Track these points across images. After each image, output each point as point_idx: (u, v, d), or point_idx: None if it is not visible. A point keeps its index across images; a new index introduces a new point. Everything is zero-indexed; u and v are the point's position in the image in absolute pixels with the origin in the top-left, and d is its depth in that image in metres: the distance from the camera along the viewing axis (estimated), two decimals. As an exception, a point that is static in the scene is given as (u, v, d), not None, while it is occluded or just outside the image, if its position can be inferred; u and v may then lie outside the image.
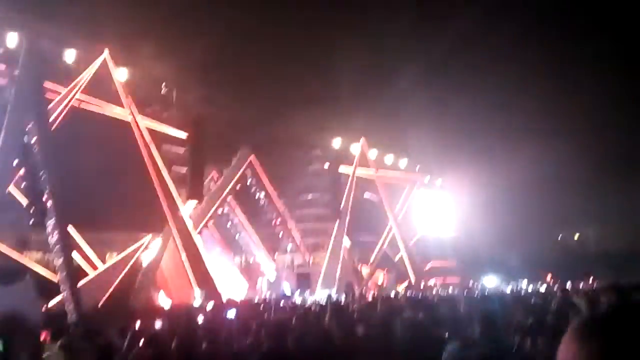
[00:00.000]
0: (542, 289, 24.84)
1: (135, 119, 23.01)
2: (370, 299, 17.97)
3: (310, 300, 21.32)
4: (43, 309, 16.20)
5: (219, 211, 28.89)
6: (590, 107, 35.16)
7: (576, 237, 45.83)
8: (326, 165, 33.71)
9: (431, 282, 31.93)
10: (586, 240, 44.62)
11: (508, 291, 24.57)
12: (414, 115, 32.42)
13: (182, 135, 26.19)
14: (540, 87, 35.94)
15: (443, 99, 35.25)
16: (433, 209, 39.52)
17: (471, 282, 30.89)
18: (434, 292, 24.56)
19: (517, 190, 35.90)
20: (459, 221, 39.05)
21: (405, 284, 32.15)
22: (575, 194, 37.67)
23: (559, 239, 45.28)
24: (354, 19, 34.44)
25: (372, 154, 35.55)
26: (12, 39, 19.06)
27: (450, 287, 27.67)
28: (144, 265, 21.48)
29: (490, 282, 31.77)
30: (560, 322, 7.67)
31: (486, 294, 20.08)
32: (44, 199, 17.67)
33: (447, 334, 7.87)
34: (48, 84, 20.00)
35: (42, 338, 8.14)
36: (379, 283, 32.07)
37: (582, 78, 35.34)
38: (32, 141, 18.06)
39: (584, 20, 34.38)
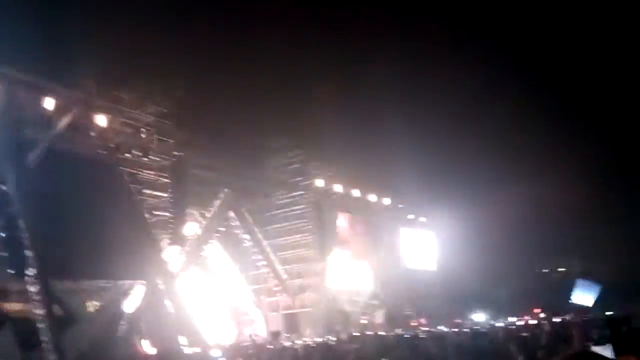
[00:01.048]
0: (531, 322, 24.68)
1: (116, 165, 22.82)
2: (360, 338, 17.67)
3: (298, 341, 20.91)
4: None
5: (203, 254, 28.55)
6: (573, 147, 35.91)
7: (561, 270, 45.97)
8: (309, 207, 33.67)
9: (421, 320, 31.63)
10: (570, 273, 44.76)
11: (498, 326, 24.41)
12: (397, 155, 32.75)
13: (163, 180, 26.00)
14: (522, 126, 36.63)
15: (426, 139, 35.73)
16: (418, 246, 39.52)
17: (459, 319, 30.66)
18: (422, 330, 24.28)
19: (500, 226, 36.12)
20: (444, 258, 39.06)
21: (393, 323, 31.78)
22: (559, 229, 38.00)
23: (544, 272, 45.39)
24: (335, 60, 35.09)
25: (355, 193, 35.66)
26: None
27: (439, 325, 27.37)
28: (127, 312, 20.95)
29: (479, 318, 31.59)
30: (550, 357, 7.62)
31: (476, 330, 19.89)
32: (23, 249, 17.28)
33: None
34: (27, 132, 19.81)
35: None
36: (368, 322, 31.71)
37: (561, 119, 36.34)
38: (10, 190, 17.76)
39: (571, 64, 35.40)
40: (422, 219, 40.57)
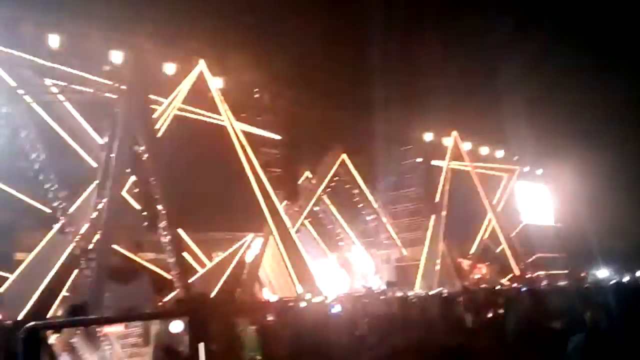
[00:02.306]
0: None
1: (232, 125, 23.99)
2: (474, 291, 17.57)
3: (411, 293, 21.16)
4: (159, 304, 17.34)
5: (315, 210, 29.48)
6: None
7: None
8: (419, 160, 33.34)
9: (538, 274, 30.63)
10: None
11: (624, 281, 23.09)
12: (509, 105, 31.28)
13: (276, 137, 26.95)
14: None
15: (539, 87, 33.73)
16: (534, 199, 37.98)
17: (582, 273, 29.34)
18: (542, 284, 23.59)
19: (624, 177, 33.68)
20: (563, 211, 37.25)
21: (509, 276, 31.10)
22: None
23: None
24: (443, 13, 33.78)
25: (466, 146, 34.72)
26: (118, 57, 20.58)
27: (560, 280, 26.40)
28: (248, 262, 22.34)
29: (602, 273, 30.01)
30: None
31: (601, 284, 19.00)
32: (155, 204, 18.89)
33: (560, 325, 7.60)
34: (152, 96, 21.33)
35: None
36: (481, 276, 31.28)
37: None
38: (142, 150, 19.33)
39: None
40: (539, 171, 38.77)
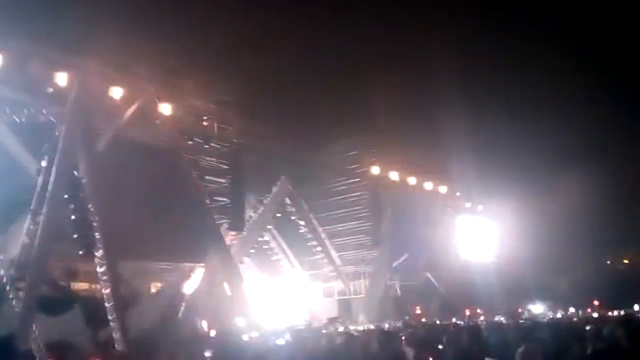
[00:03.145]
0: (594, 315, 23.99)
1: (179, 152, 23.59)
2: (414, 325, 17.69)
3: (352, 328, 21.11)
4: (91, 337, 16.57)
5: (260, 240, 29.22)
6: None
7: (626, 261, 44.23)
8: (365, 193, 33.70)
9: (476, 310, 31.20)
10: (636, 265, 43.01)
11: (558, 317, 23.83)
12: (454, 144, 32.26)
13: (223, 166, 26.69)
14: (585, 112, 35.30)
15: (483, 126, 35.01)
16: (475, 235, 38.92)
17: (519, 309, 30.09)
18: (480, 320, 24.01)
19: (562, 215, 35.06)
20: (502, 247, 38.31)
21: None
22: (624, 220, 36.56)
23: (608, 263, 43.78)
24: (391, 49, 34.78)
25: (411, 180, 35.39)
26: (62, 79, 19.94)
27: (497, 315, 26.95)
28: (188, 294, 21.76)
29: (537, 309, 30.90)
30: (615, 351, 7.43)
31: (536, 320, 19.52)
32: (92, 231, 18.23)
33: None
34: (96, 121, 20.75)
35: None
36: (421, 312, 31.56)
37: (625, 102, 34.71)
38: (81, 176, 18.70)
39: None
40: (480, 207, 39.86)
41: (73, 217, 18.52)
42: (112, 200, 18.99)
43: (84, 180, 18.59)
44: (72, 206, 18.58)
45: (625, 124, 34.70)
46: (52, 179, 18.15)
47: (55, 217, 18.19)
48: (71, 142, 19.00)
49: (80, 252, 18.47)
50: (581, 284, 32.91)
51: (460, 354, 8.09)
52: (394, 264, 32.04)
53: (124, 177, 19.99)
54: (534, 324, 16.66)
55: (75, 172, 18.63)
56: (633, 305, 25.77)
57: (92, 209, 18.31)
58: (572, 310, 29.07)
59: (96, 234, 18.25)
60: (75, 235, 18.57)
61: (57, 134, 19.02)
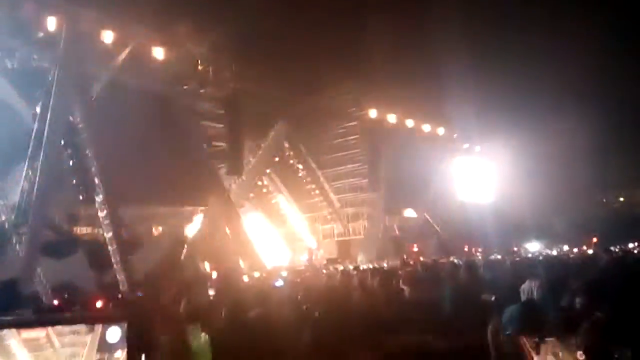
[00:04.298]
0: (589, 252, 24.41)
1: (174, 97, 23.36)
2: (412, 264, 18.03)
3: (351, 267, 21.50)
4: (95, 279, 16.90)
5: (259, 184, 29.36)
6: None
7: (621, 199, 44.67)
8: (363, 136, 33.60)
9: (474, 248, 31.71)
10: (632, 202, 43.46)
11: (554, 254, 24.26)
12: (451, 84, 31.87)
13: (220, 111, 26.48)
14: (585, 51, 34.70)
15: (481, 67, 34.47)
16: (472, 176, 39.11)
17: (515, 247, 30.60)
18: (478, 258, 24.43)
19: (559, 155, 35.13)
20: (500, 188, 38.57)
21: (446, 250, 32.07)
22: (620, 157, 36.66)
23: (604, 202, 44.23)
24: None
25: (409, 123, 35.25)
26: (52, 23, 19.47)
27: (494, 254, 27.43)
28: (189, 237, 22.06)
29: (533, 247, 31.42)
30: (608, 283, 7.60)
31: (532, 258, 19.88)
32: (91, 176, 18.27)
33: (494, 297, 7.90)
34: (88, 65, 20.41)
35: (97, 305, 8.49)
36: (419, 250, 32.09)
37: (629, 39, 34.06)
38: (77, 120, 18.58)
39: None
40: (477, 148, 39.87)
41: (71, 162, 18.52)
42: (110, 145, 18.92)
43: (80, 126, 18.46)
44: (69, 151, 18.55)
45: (623, 65, 34.25)
46: (47, 124, 18.03)
47: (52, 162, 18.19)
48: (65, 87, 18.78)
49: (81, 197, 18.59)
50: (576, 222, 33.34)
51: (458, 291, 8.26)
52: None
53: (121, 122, 19.80)
54: (530, 260, 16.99)
55: (71, 118, 18.48)
56: (628, 242, 26.17)
57: (89, 154, 18.28)
58: (566, 247, 29.56)
59: (95, 179, 18.30)
60: (74, 181, 18.64)
61: (50, 79, 18.75)
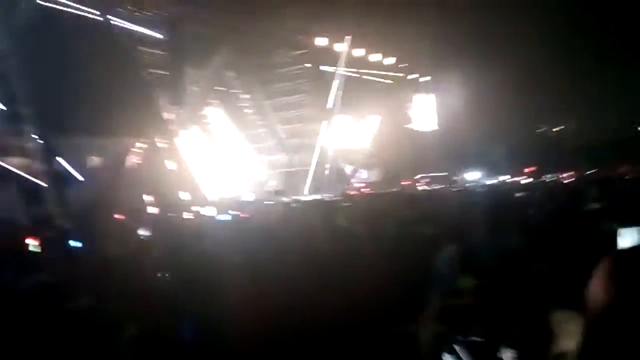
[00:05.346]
0: (525, 181, 25.31)
1: (109, 20, 21.96)
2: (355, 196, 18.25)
3: (295, 198, 21.58)
4: (30, 214, 16.23)
5: (202, 114, 28.59)
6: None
7: (556, 130, 46.25)
8: (310, 65, 32.97)
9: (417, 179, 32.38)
10: (566, 133, 45.08)
11: (490, 184, 25.03)
12: (401, 15, 31.36)
13: (159, 36, 25.21)
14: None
15: None
16: (419, 105, 39.46)
17: (455, 177, 31.43)
18: (419, 189, 24.99)
19: (500, 86, 35.70)
20: (444, 118, 39.15)
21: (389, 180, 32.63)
22: (556, 87, 37.58)
23: (538, 132, 45.69)
24: None
25: (358, 52, 34.77)
26: None
27: (437, 184, 28.10)
28: (128, 170, 21.43)
29: (473, 176, 32.35)
30: (543, 214, 7.81)
31: (469, 187, 20.45)
32: (20, 105, 17.20)
33: (433, 231, 8.00)
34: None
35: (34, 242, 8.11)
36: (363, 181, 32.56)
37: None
38: (1, 45, 17.24)
39: None
40: (426, 79, 40.02)
41: (-2, 89, 17.33)
42: (40, 73, 17.74)
43: (4, 50, 17.15)
44: (-6, 79, 17.30)
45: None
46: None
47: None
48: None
49: (9, 127, 17.55)
50: (514, 152, 34.40)
51: (397, 224, 8.31)
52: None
53: (52, 48, 18.55)
54: (469, 190, 17.44)
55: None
56: (561, 172, 27.24)
57: (16, 80, 17.11)
58: (504, 177, 30.56)
59: (24, 107, 17.23)
60: (3, 108, 17.53)
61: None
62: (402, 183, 29.83)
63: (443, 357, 2.12)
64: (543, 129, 46.15)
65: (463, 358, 2.09)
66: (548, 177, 24.11)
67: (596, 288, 1.00)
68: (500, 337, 2.15)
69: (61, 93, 18.48)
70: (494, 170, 32.09)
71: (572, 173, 25.60)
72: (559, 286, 2.45)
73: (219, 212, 12.93)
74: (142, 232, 7.91)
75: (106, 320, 4.00)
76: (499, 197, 12.38)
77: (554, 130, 46.60)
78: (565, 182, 19.54)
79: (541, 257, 3.88)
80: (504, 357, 2.09)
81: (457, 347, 2.10)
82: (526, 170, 31.56)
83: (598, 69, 36.32)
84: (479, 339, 2.15)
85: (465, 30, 35.07)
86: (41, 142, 17.59)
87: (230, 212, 12.57)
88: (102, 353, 3.73)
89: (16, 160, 18.65)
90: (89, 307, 4.13)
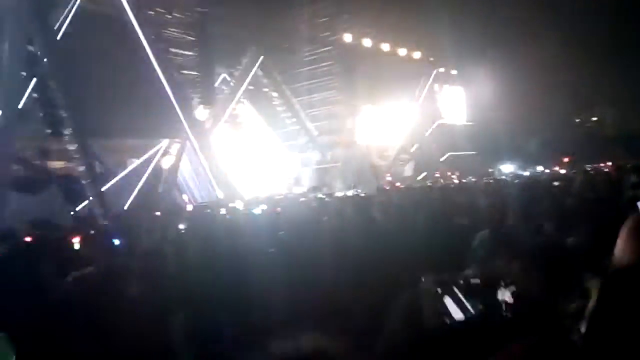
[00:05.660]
0: (562, 172, 24.82)
1: (141, 23, 22.36)
2: (388, 191, 18.16)
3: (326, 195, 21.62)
4: (71, 215, 16.71)
5: (234, 113, 28.87)
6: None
7: (594, 118, 45.21)
8: (338, 62, 32.92)
9: (449, 172, 32.07)
10: (604, 122, 44.04)
11: (525, 175, 24.62)
12: (427, 7, 31.10)
13: (190, 38, 25.59)
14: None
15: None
16: (448, 99, 39.03)
17: (490, 169, 31.04)
18: (453, 182, 24.74)
19: (533, 76, 35.06)
20: (475, 110, 38.65)
21: (424, 174, 32.42)
22: (593, 76, 36.74)
23: (577, 122, 44.75)
24: None
25: (384, 47, 34.59)
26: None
27: (469, 177, 27.80)
28: (165, 169, 21.83)
29: (507, 169, 31.89)
30: (582, 204, 7.66)
31: (505, 179, 20.13)
32: (57, 109, 17.69)
33: (467, 221, 7.93)
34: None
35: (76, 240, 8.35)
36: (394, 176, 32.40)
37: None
38: (39, 50, 17.76)
39: None
40: (454, 72, 39.55)
41: (35, 95, 17.85)
42: (75, 77, 18.20)
43: (41, 56, 17.66)
44: (32, 83, 17.83)
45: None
46: (5, 54, 17.19)
47: (14, 95, 17.50)
48: (24, 14, 17.77)
49: (49, 131, 18.08)
50: (549, 143, 33.76)
51: (432, 217, 8.26)
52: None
53: (85, 52, 19.01)
54: (502, 182, 17.20)
55: (31, 48, 17.62)
56: (600, 162, 26.65)
57: (54, 86, 17.60)
58: (540, 168, 30.03)
59: (61, 111, 17.71)
60: (41, 114, 18.06)
61: (8, 4, 17.71)
62: (436, 176, 29.59)
63: (445, 300, 2.13)
64: (581, 119, 45.20)
65: (464, 300, 2.10)
66: (587, 167, 23.59)
67: (620, 244, 1.00)
68: (499, 277, 2.15)
69: (97, 96, 18.93)
70: (531, 161, 31.57)
71: (609, 163, 25.01)
72: (587, 257, 2.44)
73: (253, 207, 13.06)
74: (181, 226, 8.06)
75: (152, 308, 4.11)
76: (533, 187, 12.20)
77: (592, 119, 45.61)
78: (605, 170, 19.10)
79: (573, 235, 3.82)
80: (505, 297, 2.09)
81: (457, 290, 2.11)
82: (565, 160, 30.95)
83: (637, 57, 35.33)
84: (478, 281, 2.16)
85: (495, 17, 34.59)
86: (80, 144, 18.05)
87: (262, 207, 12.69)
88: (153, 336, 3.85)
89: (56, 162, 19.22)
90: (135, 296, 4.26)
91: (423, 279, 2.28)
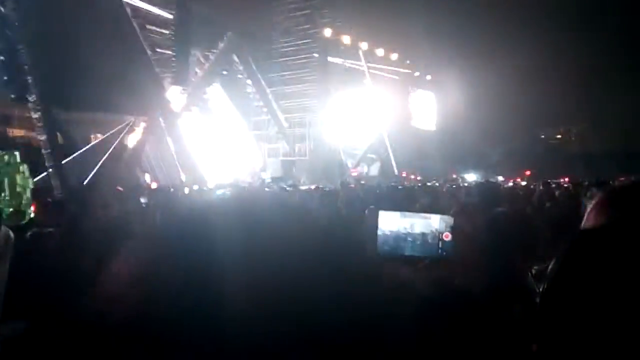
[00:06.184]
0: (523, 183, 25.32)
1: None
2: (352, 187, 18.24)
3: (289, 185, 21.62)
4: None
5: (205, 97, 28.54)
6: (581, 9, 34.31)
7: (558, 136, 46.36)
8: (315, 55, 32.90)
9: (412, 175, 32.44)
10: (568, 140, 45.20)
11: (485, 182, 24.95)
12: (406, 11, 31.40)
13: (168, 16, 25.16)
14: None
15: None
16: (420, 103, 39.45)
17: (453, 175, 31.48)
18: (416, 184, 24.97)
19: (504, 90, 35.80)
20: (444, 117, 39.18)
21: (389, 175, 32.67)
22: (561, 93, 37.70)
23: (541, 137, 45.82)
24: None
25: (363, 46, 34.72)
26: None
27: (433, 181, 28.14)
28: (130, 146, 21.44)
29: (470, 177, 32.42)
30: (539, 213, 7.88)
31: (467, 185, 20.44)
32: (23, 74, 17.17)
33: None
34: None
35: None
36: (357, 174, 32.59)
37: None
38: (9, 12, 17.19)
39: None
40: (428, 77, 39.98)
41: (2, 57, 17.28)
42: (46, 42, 17.67)
43: (12, 18, 17.08)
44: (-1, 46, 17.28)
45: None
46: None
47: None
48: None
49: (12, 96, 17.54)
50: (513, 155, 34.48)
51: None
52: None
53: (58, 20, 18.45)
54: (465, 187, 17.43)
55: (2, 8, 17.04)
56: (560, 177, 27.27)
57: (22, 50, 17.07)
58: (500, 178, 30.58)
59: (28, 77, 17.21)
60: (5, 77, 17.49)
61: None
62: (403, 176, 29.89)
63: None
64: (545, 134, 46.28)
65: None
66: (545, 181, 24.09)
67: (586, 220, 1.02)
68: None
69: (65, 68, 18.42)
70: (493, 171, 32.16)
71: (567, 179, 25.58)
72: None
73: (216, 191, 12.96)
74: (142, 200, 7.97)
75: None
76: (489, 192, 12.41)
77: (557, 136, 46.73)
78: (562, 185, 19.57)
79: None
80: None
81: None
82: (526, 173, 31.63)
83: (604, 80, 36.43)
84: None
85: (470, 28, 35.13)
86: (44, 113, 17.58)
87: (225, 192, 12.60)
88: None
89: (19, 130, 18.68)
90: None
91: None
